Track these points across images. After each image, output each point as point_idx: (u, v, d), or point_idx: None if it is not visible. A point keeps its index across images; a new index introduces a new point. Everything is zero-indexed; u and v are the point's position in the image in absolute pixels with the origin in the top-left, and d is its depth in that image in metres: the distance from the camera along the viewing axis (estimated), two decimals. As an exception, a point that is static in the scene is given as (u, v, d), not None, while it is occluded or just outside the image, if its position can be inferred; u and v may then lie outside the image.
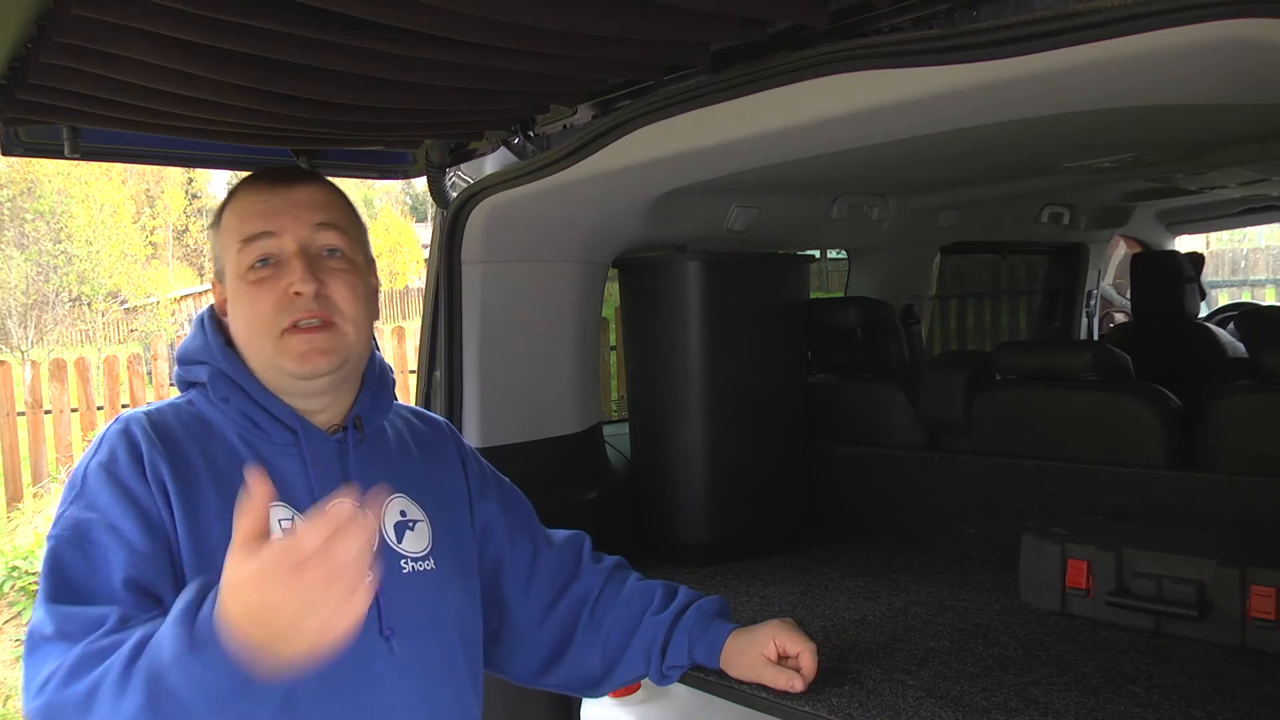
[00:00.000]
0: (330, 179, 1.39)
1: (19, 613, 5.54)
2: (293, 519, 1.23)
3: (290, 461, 1.26)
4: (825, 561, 2.66)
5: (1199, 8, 1.09)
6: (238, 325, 1.28)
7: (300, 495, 1.25)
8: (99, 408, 7.26)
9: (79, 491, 1.17)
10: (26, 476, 6.93)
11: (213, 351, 1.28)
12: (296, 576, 0.91)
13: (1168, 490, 2.30)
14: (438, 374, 2.34)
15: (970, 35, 1.25)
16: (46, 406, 7.07)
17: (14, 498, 6.79)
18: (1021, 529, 2.28)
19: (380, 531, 1.31)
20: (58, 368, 7.14)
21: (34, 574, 5.59)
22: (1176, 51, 1.18)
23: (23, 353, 12.38)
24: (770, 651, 1.57)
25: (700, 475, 2.63)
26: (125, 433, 1.20)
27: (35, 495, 6.84)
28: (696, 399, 2.60)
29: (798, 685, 1.56)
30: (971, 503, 2.63)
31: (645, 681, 2.18)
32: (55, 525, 1.15)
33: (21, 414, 6.98)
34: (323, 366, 1.25)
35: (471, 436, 2.33)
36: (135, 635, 1.03)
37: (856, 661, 1.92)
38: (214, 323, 1.32)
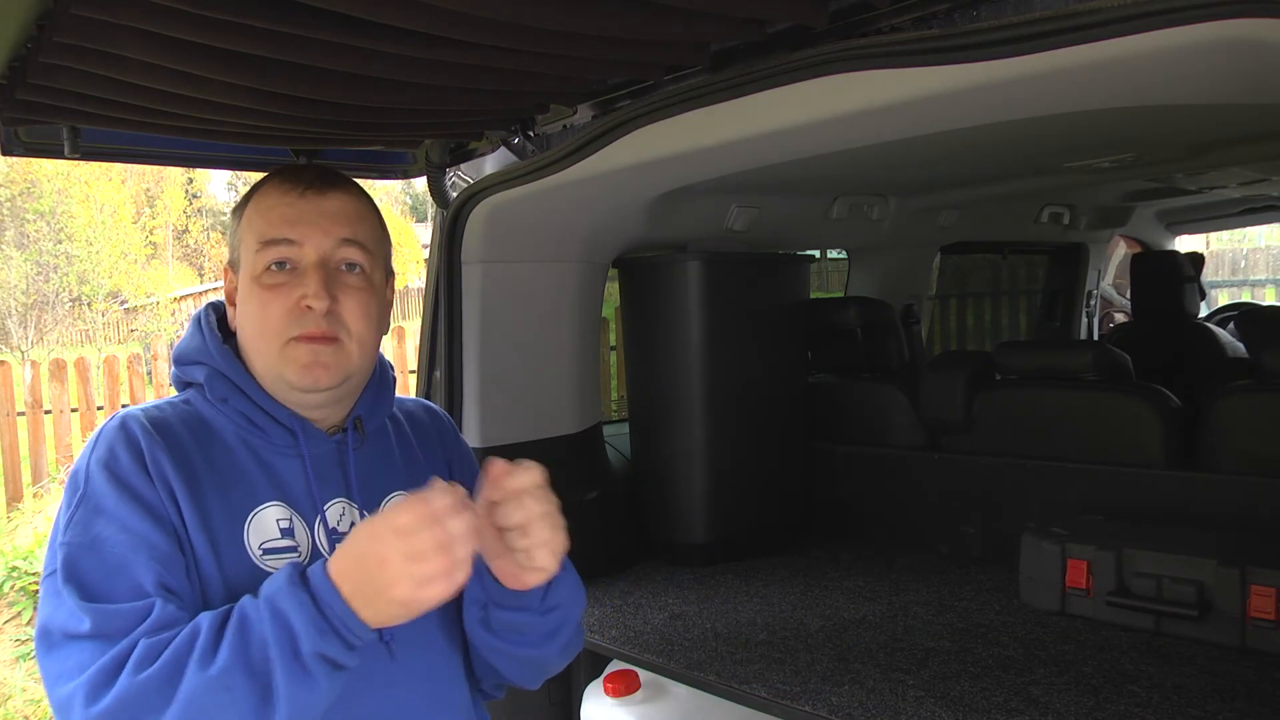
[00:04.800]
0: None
1: (19, 612, 5.54)
2: (290, 519, 1.21)
3: (290, 462, 1.25)
4: (825, 561, 2.66)
5: (1199, 8, 1.09)
6: (244, 323, 1.26)
7: (300, 496, 1.24)
8: (99, 408, 7.25)
9: (83, 493, 1.13)
10: (26, 476, 6.93)
11: (210, 352, 1.26)
12: (409, 538, 1.02)
13: (1168, 490, 2.30)
14: (438, 374, 2.34)
15: (970, 35, 1.25)
16: (46, 406, 7.06)
17: (14, 498, 6.79)
18: (1021, 529, 2.28)
19: None
20: (58, 368, 7.13)
21: (34, 574, 5.58)
22: (1176, 51, 1.18)
23: (23, 353, 12.37)
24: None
25: (700, 475, 2.63)
26: (123, 429, 1.17)
27: (35, 495, 6.83)
28: (696, 399, 2.60)
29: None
30: (971, 503, 2.63)
31: (645, 681, 2.18)
32: (65, 530, 1.11)
33: (21, 414, 6.98)
34: (324, 381, 1.23)
35: (471, 436, 2.33)
36: (208, 616, 1.05)
37: (856, 661, 1.92)
38: (211, 322, 1.29)
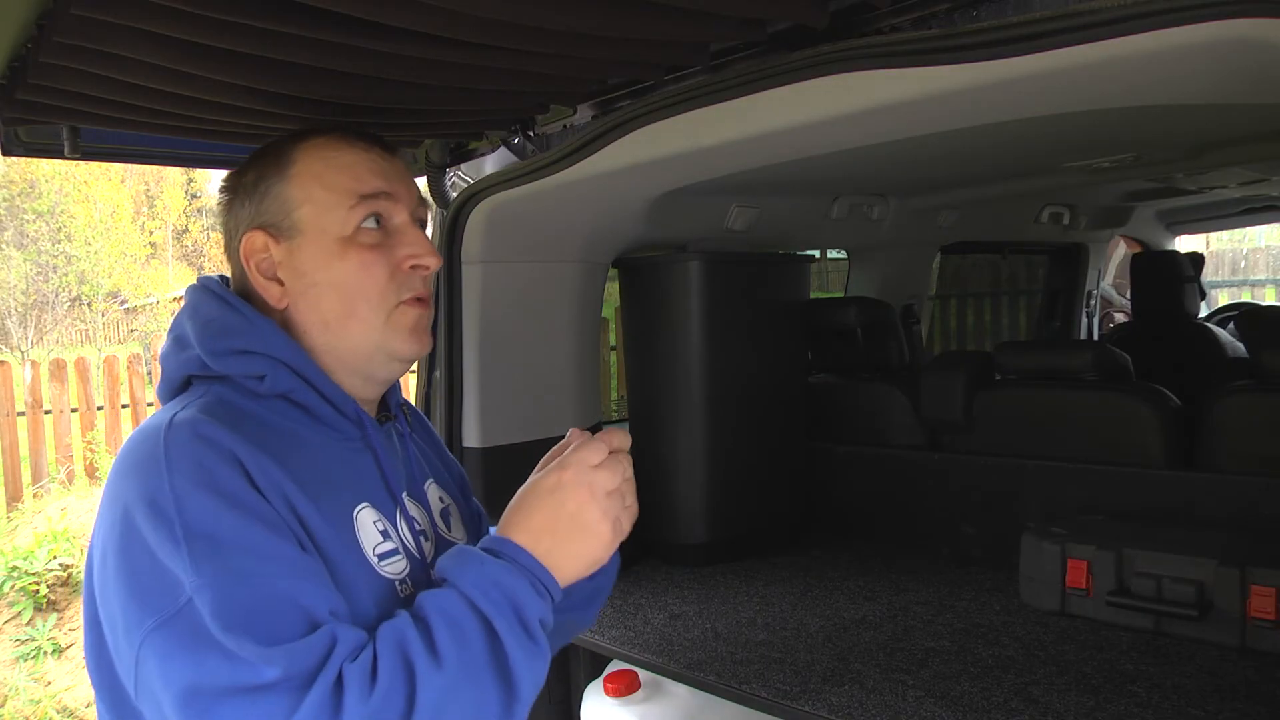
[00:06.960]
0: None
1: (19, 613, 5.53)
2: (381, 520, 1.10)
3: (359, 456, 1.13)
4: (825, 561, 2.66)
5: (1199, 8, 1.09)
6: (324, 292, 1.10)
7: (378, 492, 1.12)
8: (99, 408, 7.26)
9: (185, 525, 0.91)
10: (26, 476, 6.93)
11: (264, 337, 1.07)
12: (606, 471, 1.04)
13: (1168, 490, 2.30)
14: (438, 374, 2.34)
15: (970, 35, 1.26)
16: (46, 406, 7.07)
17: (14, 498, 6.79)
18: (1021, 529, 2.28)
19: (431, 521, 1.22)
20: (58, 368, 7.13)
21: (34, 574, 5.58)
22: (1176, 51, 1.18)
23: (23, 353, 12.37)
24: None
25: (700, 475, 2.63)
26: (202, 439, 0.96)
27: (35, 495, 6.84)
28: (696, 399, 2.60)
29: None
30: (971, 503, 2.63)
31: (645, 681, 2.18)
32: (194, 572, 0.89)
33: (21, 414, 6.98)
34: (428, 346, 1.16)
35: (471, 436, 2.33)
36: (395, 625, 0.95)
37: (856, 661, 1.92)
38: (240, 297, 1.12)
